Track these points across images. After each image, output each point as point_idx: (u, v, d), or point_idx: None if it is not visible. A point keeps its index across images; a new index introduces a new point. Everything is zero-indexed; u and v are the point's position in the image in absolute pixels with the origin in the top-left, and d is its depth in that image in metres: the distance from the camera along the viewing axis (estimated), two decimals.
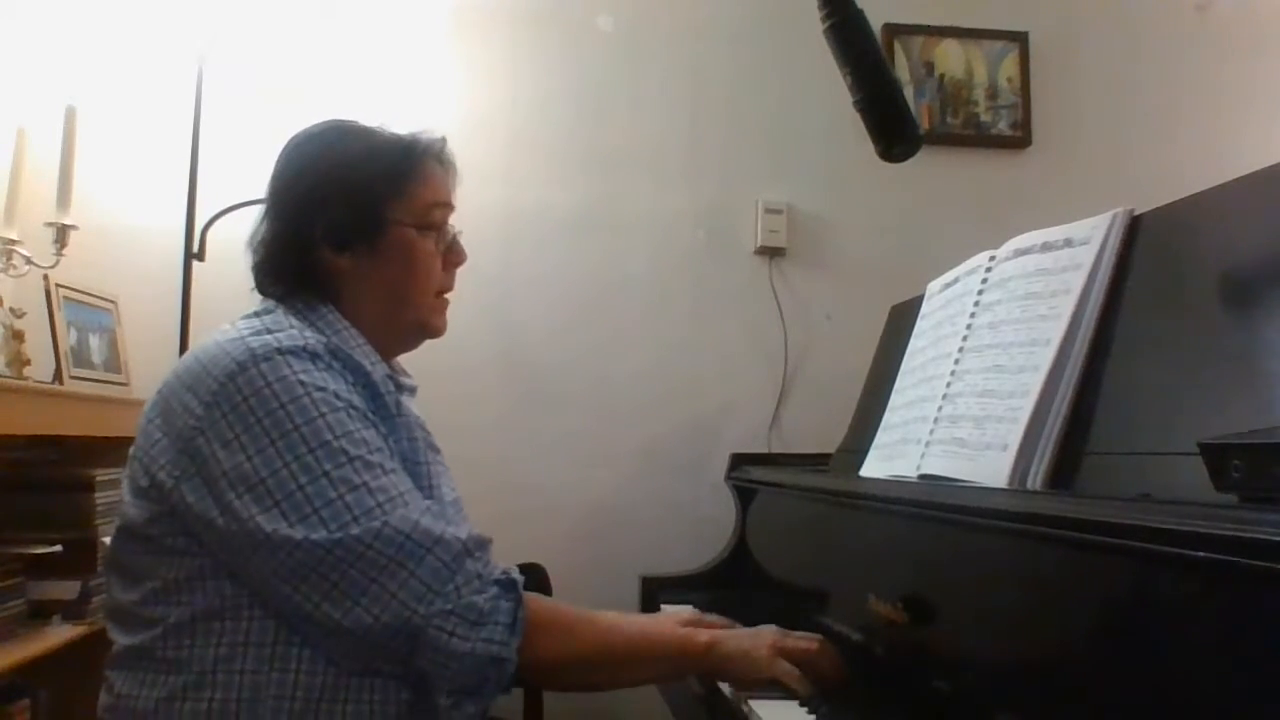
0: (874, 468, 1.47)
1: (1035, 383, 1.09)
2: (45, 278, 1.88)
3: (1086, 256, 1.12)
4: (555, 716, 2.01)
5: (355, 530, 0.94)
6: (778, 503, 1.81)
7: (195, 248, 2.03)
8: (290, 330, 1.03)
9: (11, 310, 1.83)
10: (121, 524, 1.03)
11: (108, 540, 1.09)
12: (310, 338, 1.03)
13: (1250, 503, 0.66)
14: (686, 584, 1.87)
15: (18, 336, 1.80)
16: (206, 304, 1.97)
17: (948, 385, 1.29)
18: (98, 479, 1.72)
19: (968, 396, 1.23)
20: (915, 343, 1.50)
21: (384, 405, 1.06)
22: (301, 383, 0.98)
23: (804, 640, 1.11)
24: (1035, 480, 1.06)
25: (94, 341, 2.01)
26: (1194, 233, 1.03)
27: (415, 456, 1.09)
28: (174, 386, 1.02)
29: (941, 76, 2.53)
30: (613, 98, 2.44)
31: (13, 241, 1.86)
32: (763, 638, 1.10)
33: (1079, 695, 0.80)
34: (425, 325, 1.19)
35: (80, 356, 1.94)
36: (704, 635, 1.09)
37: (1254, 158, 0.98)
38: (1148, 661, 0.72)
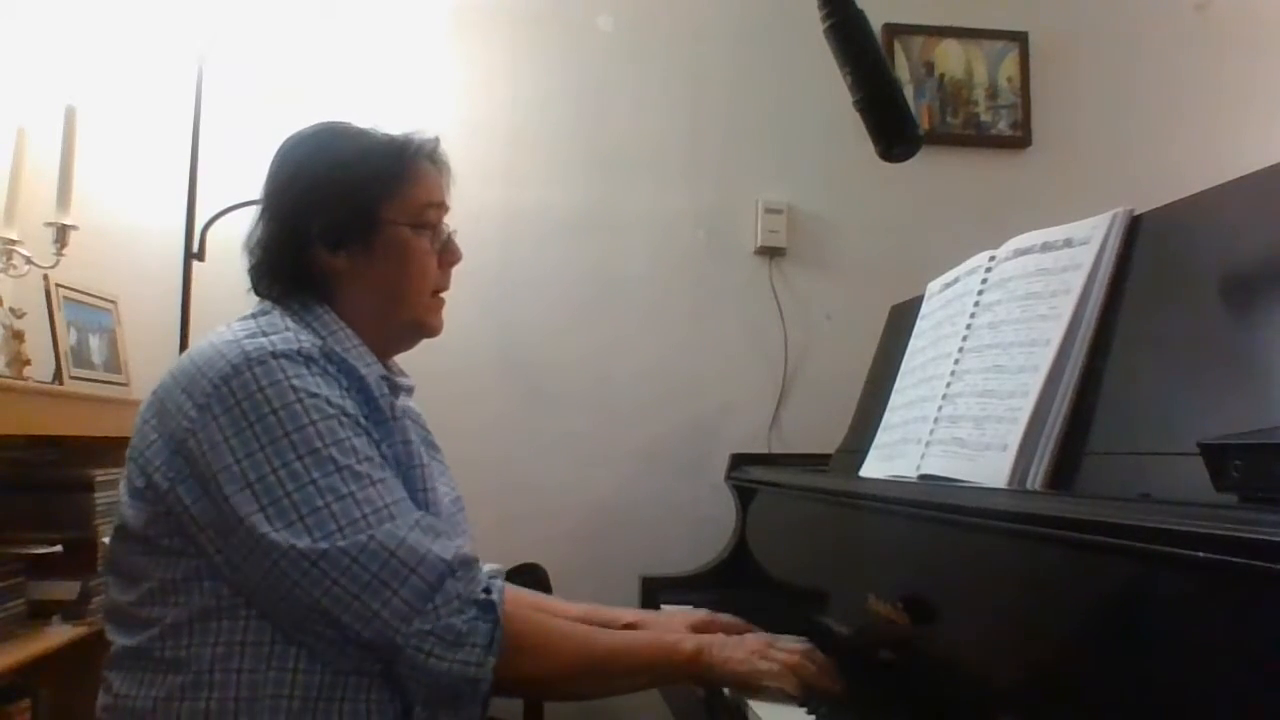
0: (874, 468, 1.47)
1: (1035, 383, 1.09)
2: (45, 278, 1.88)
3: (1086, 256, 1.12)
4: (555, 717, 2.02)
5: (341, 542, 0.94)
6: (778, 503, 1.81)
7: (195, 248, 2.03)
8: (285, 333, 1.03)
9: (11, 310, 1.83)
10: (119, 525, 1.04)
11: (108, 540, 1.09)
12: (305, 341, 1.03)
13: (1250, 503, 0.66)
14: (686, 584, 1.87)
15: (18, 336, 1.80)
16: (206, 304, 1.97)
17: (948, 385, 1.29)
18: (98, 479, 1.72)
19: (968, 396, 1.23)
20: (915, 343, 1.50)
21: (378, 408, 1.06)
22: (294, 388, 0.98)
23: (790, 645, 1.11)
24: (1035, 480, 1.06)
25: (94, 341, 2.01)
26: (1194, 233, 1.03)
27: (410, 460, 1.09)
28: (169, 388, 1.02)
29: (941, 76, 2.53)
30: (613, 98, 2.44)
31: (13, 241, 1.86)
32: (748, 644, 1.11)
33: (1079, 695, 0.79)
34: (422, 324, 1.19)
35: (80, 356, 1.94)
36: (689, 642, 1.10)
37: (1254, 158, 0.98)
38: (1148, 661, 0.72)
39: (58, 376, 1.85)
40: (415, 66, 2.35)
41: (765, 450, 2.30)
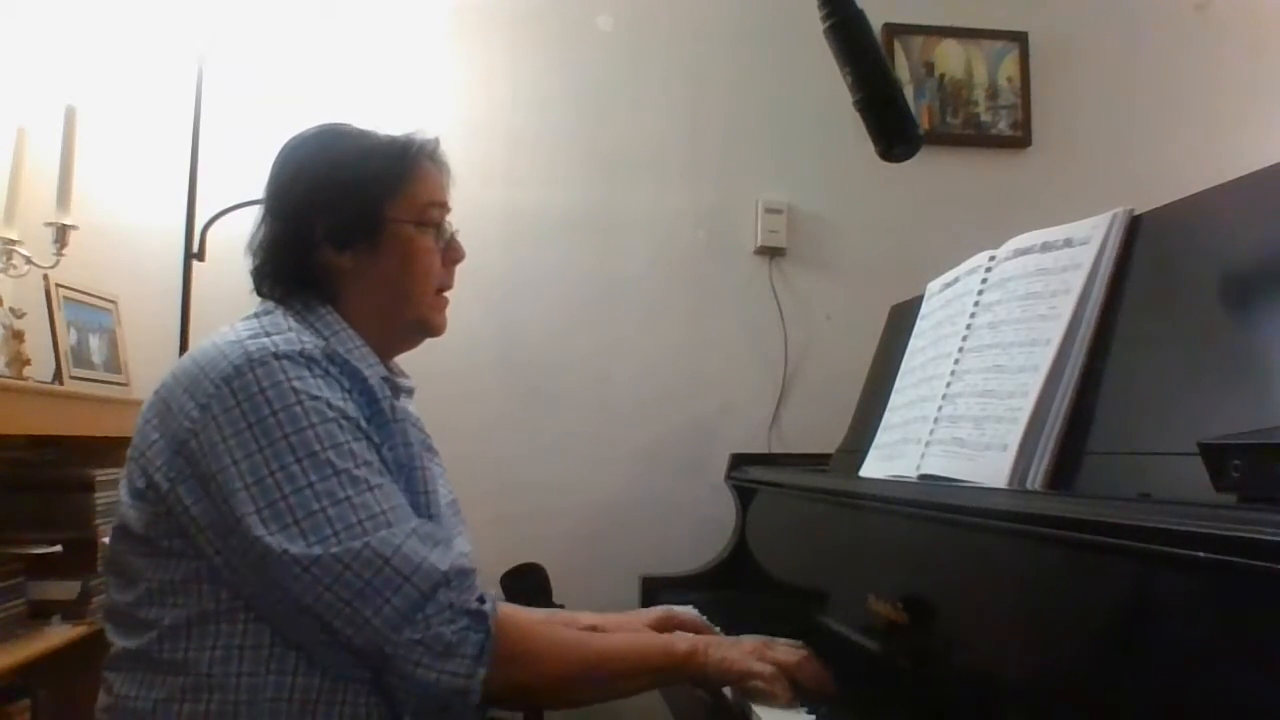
0: (874, 468, 1.47)
1: (1035, 383, 1.09)
2: (45, 278, 1.88)
3: (1086, 256, 1.12)
4: (556, 717, 2.01)
5: (335, 548, 0.93)
6: (778, 503, 1.81)
7: (195, 248, 2.03)
8: (288, 333, 1.03)
9: (11, 310, 1.82)
10: (118, 525, 1.03)
11: (108, 540, 1.09)
12: (307, 342, 1.02)
13: (1250, 503, 0.66)
14: (686, 584, 1.87)
15: (18, 336, 1.79)
16: (206, 304, 1.97)
17: (948, 385, 1.29)
18: (98, 479, 1.72)
19: (968, 396, 1.23)
20: (915, 343, 1.50)
21: (380, 410, 1.06)
22: (294, 389, 0.97)
23: (786, 648, 1.11)
24: (1035, 480, 1.06)
25: (94, 341, 2.01)
26: (1194, 233, 1.03)
27: (410, 462, 1.08)
28: (171, 388, 1.02)
29: (941, 76, 2.53)
30: (613, 98, 2.44)
31: (13, 241, 1.86)
32: (744, 645, 1.11)
33: (1079, 695, 0.79)
34: (426, 323, 1.19)
35: (80, 356, 1.94)
36: (684, 643, 1.10)
37: (1254, 158, 0.98)
38: (1148, 661, 0.72)
39: (58, 376, 1.85)
40: (415, 67, 2.35)
41: (765, 450, 2.30)
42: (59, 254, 1.90)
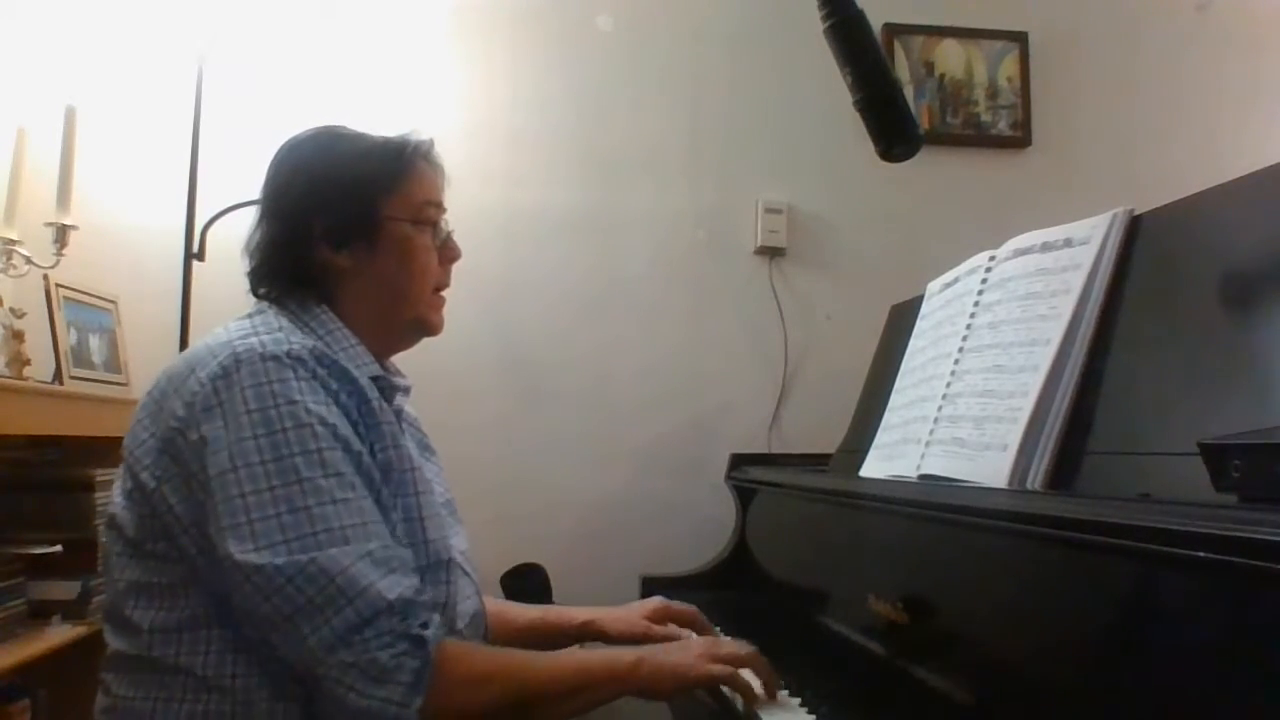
0: (874, 468, 1.47)
1: (1035, 383, 1.09)
2: (45, 278, 1.88)
3: (1086, 256, 1.12)
4: None
5: (280, 559, 0.91)
6: (778, 503, 1.81)
7: (195, 248, 2.03)
8: (277, 334, 1.02)
9: (11, 310, 1.82)
10: (110, 526, 1.03)
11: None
12: (296, 342, 1.01)
13: (1250, 503, 0.66)
14: (686, 584, 1.87)
15: (18, 336, 1.79)
16: (206, 304, 1.96)
17: (948, 385, 1.29)
18: (98, 479, 1.72)
19: (968, 396, 1.23)
20: (915, 343, 1.50)
21: (370, 411, 1.05)
22: (273, 392, 0.96)
23: (735, 646, 1.11)
24: (1035, 480, 1.06)
25: (94, 341, 2.01)
26: (1194, 233, 1.03)
27: (401, 464, 1.07)
28: (163, 388, 1.02)
29: (941, 76, 2.53)
30: (613, 98, 2.44)
31: (13, 241, 1.86)
32: (692, 648, 1.09)
33: (1079, 695, 0.80)
34: (423, 321, 1.19)
35: (80, 356, 1.94)
36: (630, 655, 1.07)
37: (1254, 158, 0.98)
38: (1148, 661, 0.72)
39: (58, 376, 1.85)
40: (415, 67, 2.35)
41: (765, 450, 2.29)
42: (59, 254, 1.90)
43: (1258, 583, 0.59)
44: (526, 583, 2.07)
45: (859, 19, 1.00)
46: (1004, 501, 0.99)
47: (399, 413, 1.17)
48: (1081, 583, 0.81)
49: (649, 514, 2.30)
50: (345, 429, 1.00)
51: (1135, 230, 1.10)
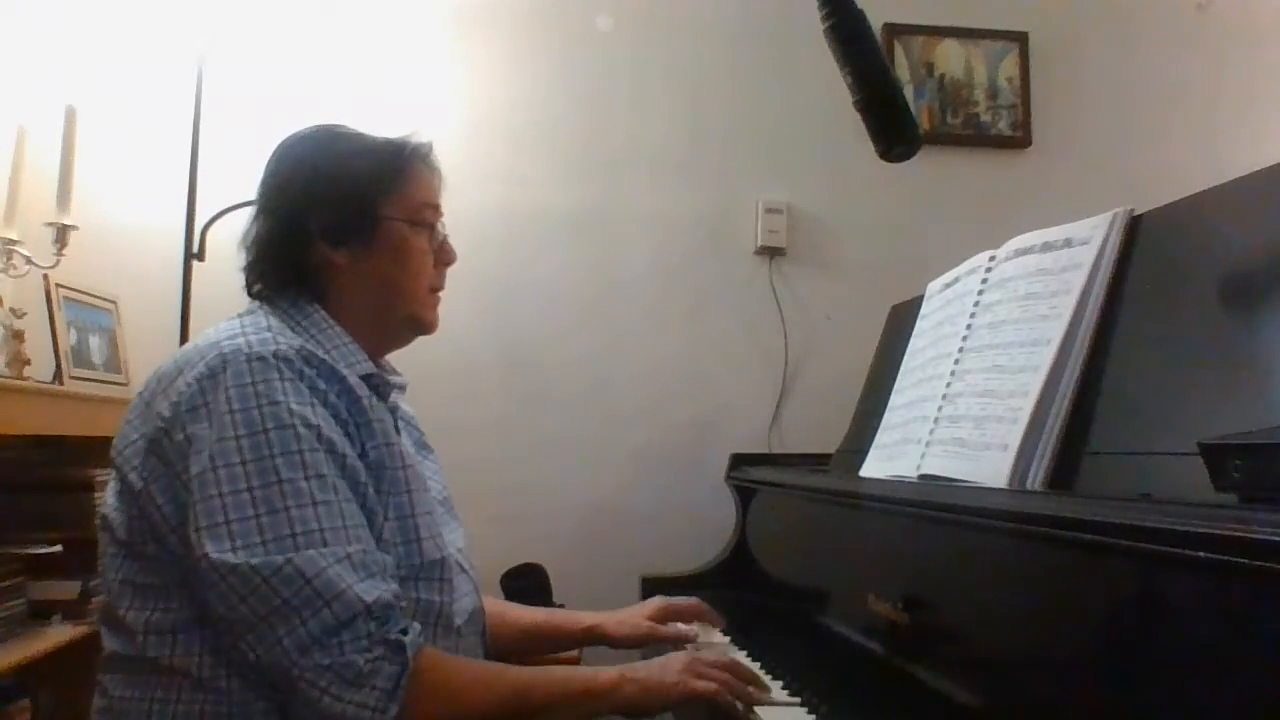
0: (874, 468, 1.47)
1: (1035, 383, 1.09)
2: (45, 278, 1.88)
3: (1086, 256, 1.12)
4: None
5: (255, 559, 0.90)
6: (778, 503, 1.81)
7: (195, 248, 2.03)
8: (265, 334, 1.02)
9: (11, 310, 1.82)
10: (102, 527, 1.03)
11: None
12: (283, 342, 1.01)
13: (1250, 503, 0.66)
14: (686, 584, 1.87)
15: (18, 336, 1.79)
16: (206, 304, 1.96)
17: (948, 385, 1.29)
18: (98, 479, 1.72)
19: (968, 396, 1.23)
20: (915, 343, 1.50)
21: (360, 409, 1.04)
22: (257, 393, 0.96)
23: (716, 658, 1.11)
24: (1035, 480, 1.06)
25: (94, 341, 2.01)
26: (1194, 233, 1.03)
27: (394, 461, 1.06)
28: (153, 389, 1.02)
29: (941, 76, 2.53)
30: (613, 98, 2.44)
31: (13, 241, 1.86)
32: (672, 664, 1.09)
33: (1079, 695, 0.80)
34: (418, 319, 1.19)
35: (80, 356, 1.94)
36: (608, 673, 1.06)
37: (1254, 158, 0.98)
38: (1148, 661, 0.72)
39: (58, 376, 1.85)
40: (415, 67, 2.35)
41: (765, 450, 2.30)
42: (59, 254, 1.90)
43: (1258, 583, 0.59)
44: (526, 583, 2.07)
45: (859, 19, 1.00)
46: (1004, 501, 0.99)
47: (394, 410, 1.17)
48: (1082, 583, 0.81)
49: (649, 514, 2.30)
50: (330, 431, 0.99)
51: (1135, 230, 1.10)
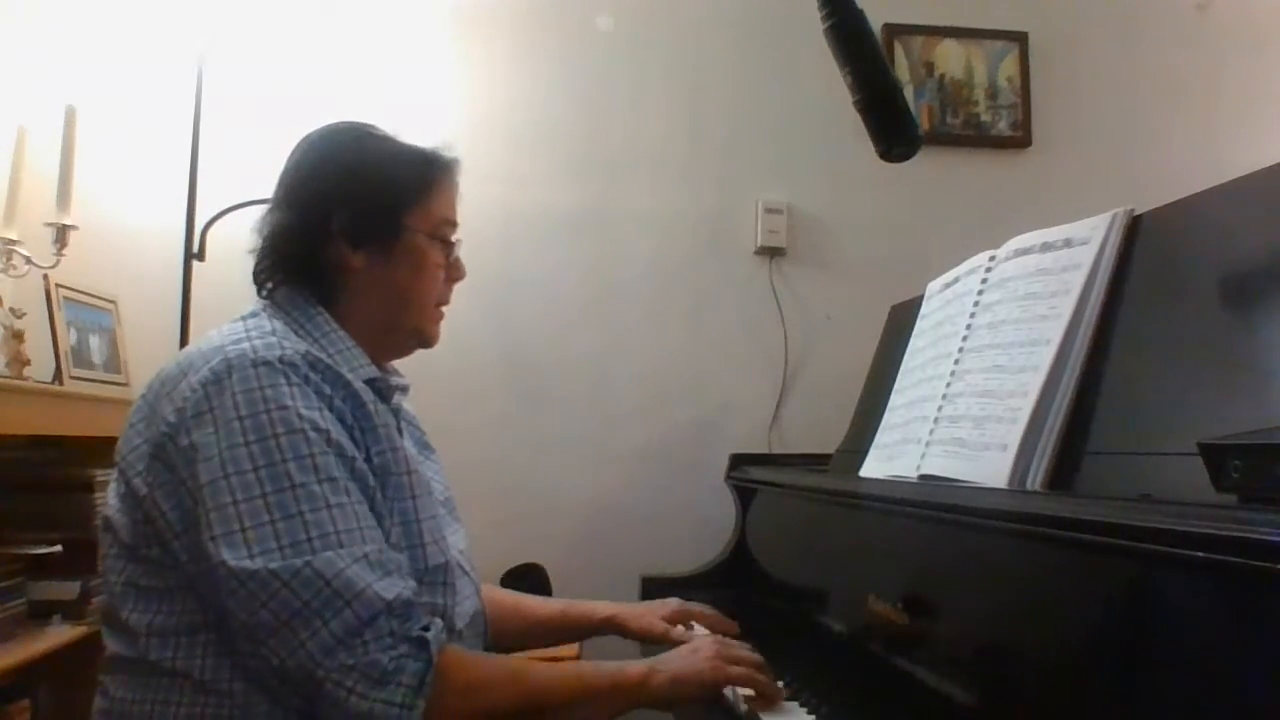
0: (874, 468, 1.47)
1: (1035, 383, 1.09)
2: (45, 278, 1.88)
3: (1086, 256, 1.12)
4: None
5: (274, 564, 0.90)
6: (778, 503, 1.81)
7: (195, 248, 2.03)
8: (270, 337, 1.01)
9: (11, 310, 1.82)
10: (105, 528, 1.02)
11: None
12: (289, 347, 1.00)
13: (1250, 503, 0.66)
14: (687, 584, 1.87)
15: (18, 336, 1.79)
16: (206, 304, 1.96)
17: (948, 385, 1.29)
18: (98, 479, 1.72)
19: (968, 396, 1.23)
20: (915, 343, 1.50)
21: (365, 414, 1.04)
22: (264, 398, 0.95)
23: (744, 647, 1.11)
24: (1035, 480, 1.06)
25: (94, 341, 2.01)
26: (1194, 233, 1.03)
27: (398, 466, 1.05)
28: (156, 392, 1.01)
29: (941, 76, 2.53)
30: (613, 98, 2.44)
31: (13, 241, 1.86)
32: (702, 651, 1.08)
33: (1079, 695, 0.79)
34: (422, 332, 1.19)
35: (80, 356, 1.94)
36: (637, 668, 1.06)
37: (1254, 158, 0.98)
38: (1147, 661, 0.72)
39: (58, 376, 1.85)
40: (415, 66, 2.35)
41: (765, 450, 2.30)
42: (59, 254, 1.90)
43: (1258, 583, 0.59)
44: (526, 583, 2.07)
45: (859, 19, 1.00)
46: (1004, 501, 0.99)
47: (397, 412, 1.17)
48: (1082, 583, 0.80)
49: (649, 514, 2.31)
50: (338, 434, 0.99)
51: (1135, 230, 1.10)
